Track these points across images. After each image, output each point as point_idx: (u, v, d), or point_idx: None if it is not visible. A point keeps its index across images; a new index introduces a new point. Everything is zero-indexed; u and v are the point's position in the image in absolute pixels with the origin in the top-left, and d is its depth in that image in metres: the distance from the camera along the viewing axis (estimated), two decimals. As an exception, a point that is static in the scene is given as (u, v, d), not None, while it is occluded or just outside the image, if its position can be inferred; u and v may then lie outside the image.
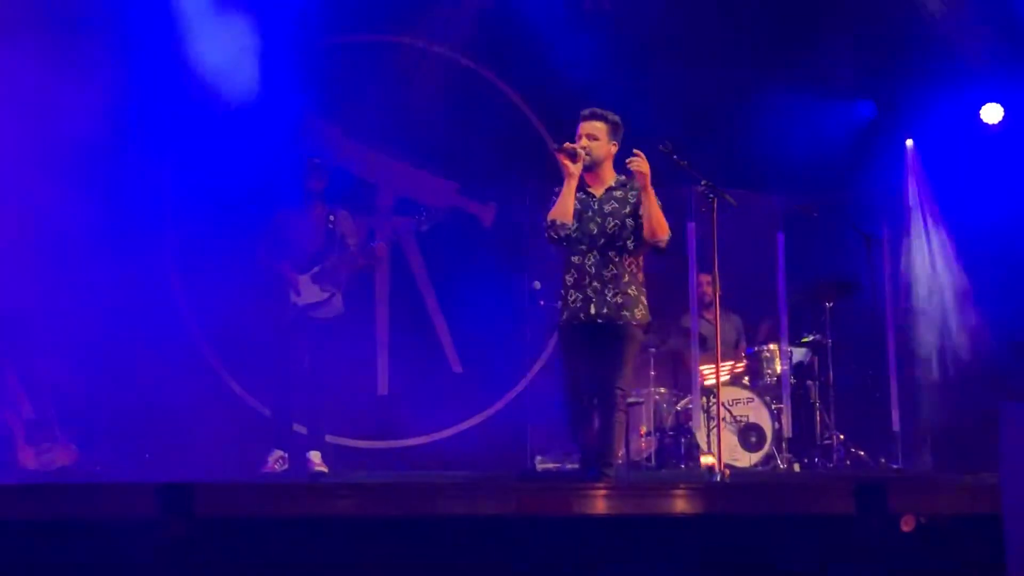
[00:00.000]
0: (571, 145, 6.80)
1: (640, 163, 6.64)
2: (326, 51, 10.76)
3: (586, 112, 6.96)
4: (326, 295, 9.05)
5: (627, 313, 6.87)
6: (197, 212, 10.18)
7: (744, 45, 11.06)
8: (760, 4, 11.04)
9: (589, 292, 6.84)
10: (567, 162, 6.75)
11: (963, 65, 11.07)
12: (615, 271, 6.88)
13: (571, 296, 6.88)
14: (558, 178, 7.01)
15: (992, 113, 11.27)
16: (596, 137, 6.90)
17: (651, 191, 6.72)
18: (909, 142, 11.70)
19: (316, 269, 9.01)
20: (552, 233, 6.85)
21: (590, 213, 6.89)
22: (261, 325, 9.31)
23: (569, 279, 6.92)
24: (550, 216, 6.83)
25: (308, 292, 9.01)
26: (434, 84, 10.94)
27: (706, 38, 11.04)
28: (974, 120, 11.33)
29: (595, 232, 6.87)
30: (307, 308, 8.99)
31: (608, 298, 6.84)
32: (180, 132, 10.23)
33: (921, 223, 11.61)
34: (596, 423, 6.84)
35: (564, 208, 6.78)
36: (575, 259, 6.90)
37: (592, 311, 6.83)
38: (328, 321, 9.07)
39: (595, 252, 6.87)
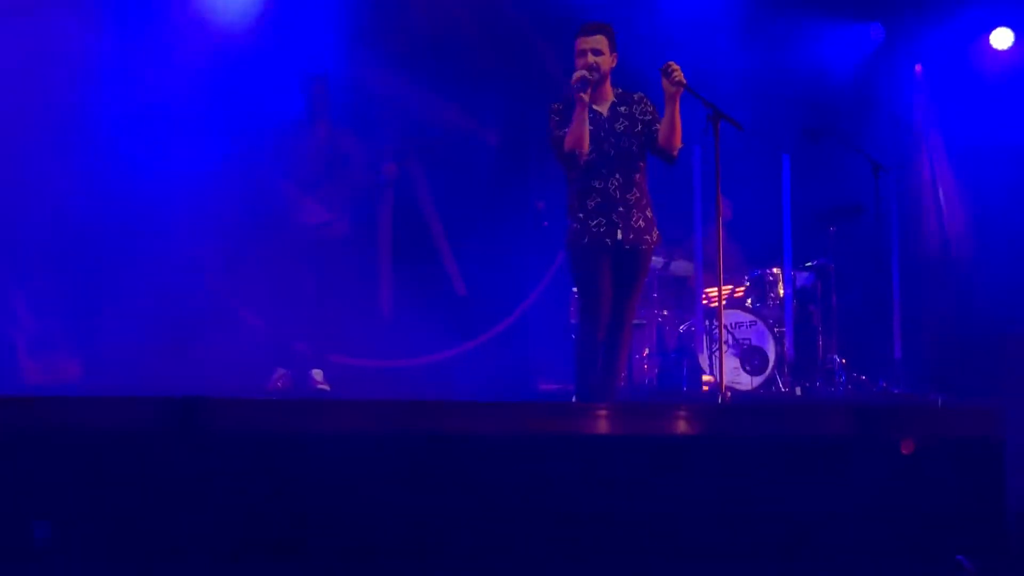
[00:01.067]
0: (582, 74, 6.68)
1: (680, 73, 6.57)
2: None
3: (586, 26, 6.84)
4: (331, 215, 9.03)
5: (648, 237, 6.85)
6: (200, 131, 10.13)
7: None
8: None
9: (615, 217, 6.75)
10: (581, 94, 6.64)
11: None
12: (637, 193, 6.83)
13: (593, 220, 6.78)
14: (554, 95, 6.94)
15: (1002, 38, 11.18)
16: (601, 51, 6.78)
17: (679, 101, 6.67)
18: (918, 67, 11.63)
19: (321, 189, 8.99)
20: (574, 162, 6.75)
21: (603, 134, 6.78)
22: (264, 244, 9.31)
23: (591, 203, 6.79)
24: (568, 145, 6.69)
25: (310, 211, 8.99)
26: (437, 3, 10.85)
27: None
28: (984, 45, 11.26)
29: (613, 154, 6.78)
30: (311, 227, 8.98)
31: (632, 222, 6.79)
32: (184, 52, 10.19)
33: (927, 151, 11.58)
34: (603, 347, 6.82)
35: (581, 135, 6.67)
36: (597, 183, 6.78)
37: (619, 236, 6.75)
38: (331, 241, 9.07)
39: (618, 176, 6.79)
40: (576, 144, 6.68)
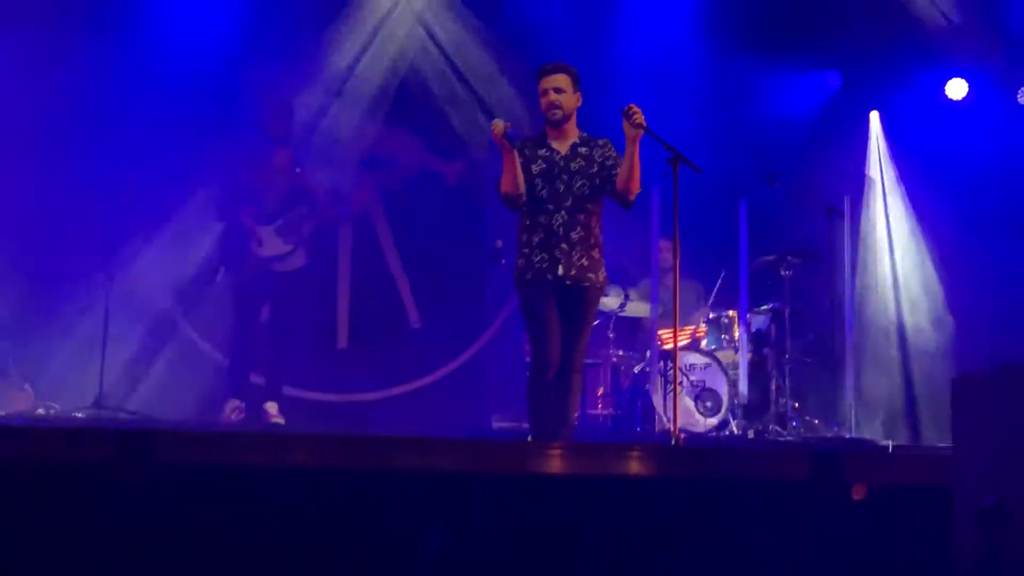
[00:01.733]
0: (501, 123, 6.61)
1: (641, 116, 6.59)
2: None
3: (547, 67, 6.85)
4: (289, 247, 9.04)
5: (592, 276, 6.84)
6: (161, 160, 10.12)
7: (711, 14, 11.05)
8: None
9: (557, 253, 6.76)
10: (497, 136, 6.64)
11: (930, 40, 11.15)
12: (583, 232, 6.82)
13: (536, 256, 6.79)
14: (520, 135, 6.96)
15: (957, 88, 11.37)
16: (563, 89, 6.80)
17: (638, 144, 6.69)
18: (874, 114, 11.76)
19: (280, 221, 8.99)
20: (508, 205, 6.81)
21: (556, 171, 6.80)
22: (221, 275, 9.29)
23: (535, 239, 6.81)
24: (502, 190, 6.75)
25: (271, 243, 8.99)
26: (401, 37, 10.87)
27: (673, 5, 11.06)
28: (939, 95, 11.43)
29: (563, 191, 6.79)
30: (269, 260, 8.97)
31: (575, 260, 6.79)
32: (145, 82, 10.21)
33: (882, 196, 11.70)
34: (554, 387, 6.81)
35: (512, 179, 6.70)
36: (542, 219, 6.79)
37: (560, 272, 6.75)
38: (289, 273, 9.05)
39: (563, 213, 6.79)
40: (508, 187, 6.73)
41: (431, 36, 10.98)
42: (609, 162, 6.83)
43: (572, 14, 10.57)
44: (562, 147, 6.86)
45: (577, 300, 6.81)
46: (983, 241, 10.85)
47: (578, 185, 6.79)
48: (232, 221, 9.09)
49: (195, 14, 10.26)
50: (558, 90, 6.80)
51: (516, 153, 6.69)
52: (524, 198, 6.76)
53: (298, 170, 9.13)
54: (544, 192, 6.78)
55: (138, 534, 4.65)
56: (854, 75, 11.64)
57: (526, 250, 6.86)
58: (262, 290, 9.04)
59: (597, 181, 6.82)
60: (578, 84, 6.87)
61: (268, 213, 9.00)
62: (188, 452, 4.90)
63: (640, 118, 6.57)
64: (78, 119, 9.78)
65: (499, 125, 6.61)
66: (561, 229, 6.78)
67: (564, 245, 6.76)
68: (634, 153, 6.67)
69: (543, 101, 6.83)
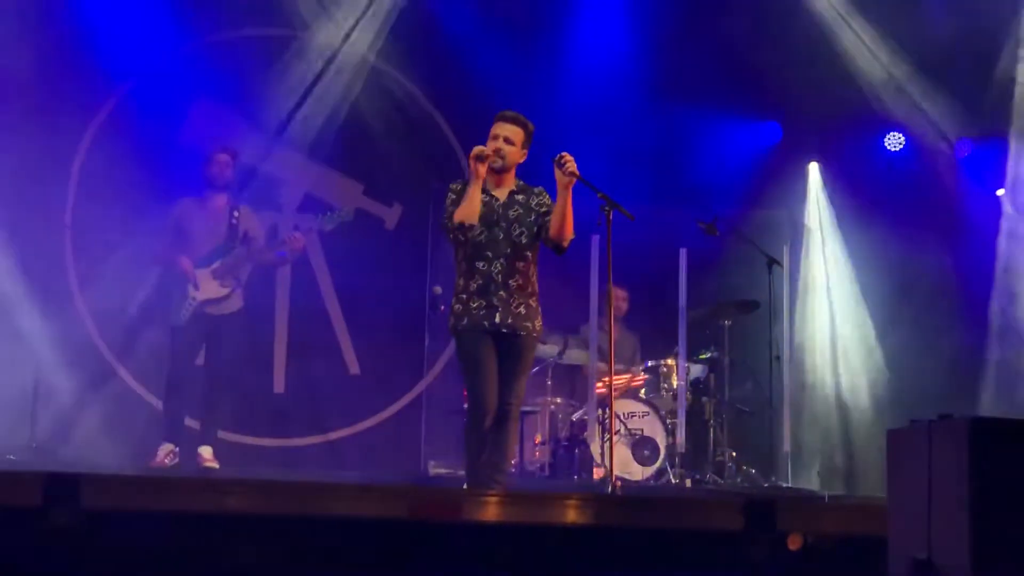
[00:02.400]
0: (482, 149, 6.69)
1: (574, 164, 6.59)
2: (232, 44, 10.70)
3: (507, 114, 6.82)
4: (226, 291, 8.97)
5: (529, 324, 6.82)
6: (97, 202, 10.07)
7: (649, 63, 11.13)
8: (667, 25, 11.13)
9: (495, 301, 6.71)
10: (478, 166, 6.65)
11: (869, 94, 11.29)
12: (520, 280, 6.80)
13: (474, 302, 6.74)
14: (456, 178, 6.95)
15: (895, 142, 11.55)
16: (512, 142, 6.75)
17: (570, 191, 6.67)
18: (813, 165, 11.88)
19: (217, 264, 8.93)
20: (460, 235, 6.69)
21: (495, 218, 6.75)
22: (157, 318, 9.22)
23: (473, 285, 6.75)
24: (457, 218, 6.66)
25: (207, 287, 8.93)
26: (342, 83, 10.86)
27: (613, 55, 11.13)
28: (877, 147, 11.59)
29: (502, 238, 6.76)
30: (204, 303, 8.91)
31: (512, 307, 6.76)
32: (82, 124, 10.17)
33: (821, 246, 11.80)
34: (490, 434, 6.78)
35: (471, 209, 6.64)
36: (481, 265, 6.75)
37: (497, 320, 6.72)
38: (225, 317, 9.00)
39: (502, 260, 6.77)
40: (464, 216, 6.64)
41: (373, 80, 10.97)
42: (543, 209, 6.80)
43: (510, 61, 10.60)
44: (501, 194, 6.83)
45: (514, 348, 6.79)
46: (920, 292, 10.97)
47: (517, 232, 6.78)
48: (170, 264, 9.02)
49: (131, 51, 10.20)
50: (508, 140, 6.74)
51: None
52: (475, 232, 6.71)
53: (236, 214, 9.07)
54: (483, 237, 6.74)
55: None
56: (794, 126, 11.76)
57: (463, 296, 6.80)
58: (198, 333, 8.97)
59: (535, 229, 6.80)
60: (529, 141, 6.81)
61: (205, 256, 8.94)
62: (116, 497, 4.83)
63: (572, 166, 6.57)
64: (15, 161, 9.71)
65: (482, 149, 6.60)
66: (500, 276, 6.75)
67: (502, 293, 6.73)
68: (566, 200, 6.65)
69: (490, 143, 6.76)
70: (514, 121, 6.80)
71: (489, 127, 6.80)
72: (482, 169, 6.63)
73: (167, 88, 10.32)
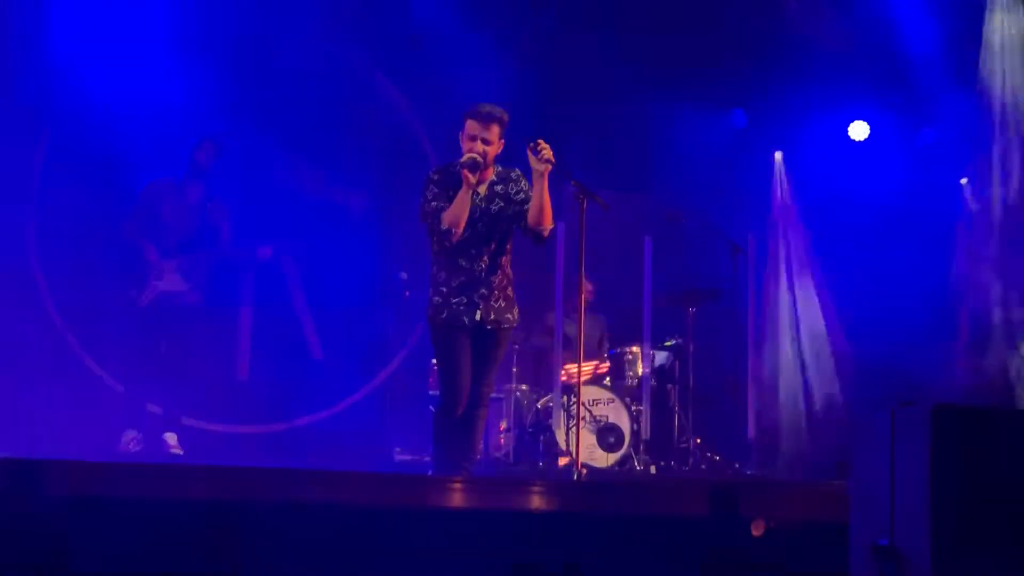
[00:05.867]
0: (474, 157, 6.55)
1: (549, 151, 6.52)
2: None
3: (482, 111, 6.65)
4: (187, 286, 8.98)
5: (509, 316, 6.79)
6: (61, 180, 9.99)
7: (617, 49, 11.12)
8: (636, 11, 11.13)
9: (476, 298, 6.66)
10: (469, 174, 6.57)
11: (834, 83, 11.34)
12: (500, 275, 6.78)
13: (454, 298, 6.67)
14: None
15: (859, 130, 11.61)
16: (490, 141, 6.63)
17: (547, 179, 6.59)
18: (778, 154, 11.93)
19: (184, 258, 8.93)
20: (447, 240, 6.61)
21: (478, 214, 6.65)
22: (119, 304, 9.19)
23: (455, 281, 6.68)
24: (445, 223, 6.55)
25: (170, 279, 8.93)
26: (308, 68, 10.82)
27: (580, 40, 11.12)
28: (842, 135, 11.64)
29: (485, 236, 6.68)
30: (166, 293, 8.91)
31: (493, 303, 6.73)
32: (48, 106, 10.09)
33: (785, 234, 11.86)
34: (459, 424, 6.77)
35: (460, 216, 6.54)
36: (463, 262, 6.67)
37: (478, 317, 6.66)
38: (183, 306, 8.99)
39: (485, 258, 6.69)
40: (454, 223, 6.55)
41: (338, 66, 10.93)
42: (521, 196, 6.73)
43: (475, 47, 10.58)
44: (481, 189, 6.73)
45: (491, 341, 6.77)
46: (883, 279, 11.04)
47: (500, 228, 6.73)
48: (138, 252, 8.99)
49: (114, 41, 10.12)
50: (487, 141, 6.63)
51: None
52: (462, 237, 6.66)
53: (209, 204, 9.06)
54: (467, 234, 6.66)
55: (26, 571, 4.56)
56: (759, 114, 11.79)
57: (444, 289, 6.73)
58: (157, 320, 8.96)
59: (514, 221, 6.77)
60: (504, 131, 6.71)
61: (172, 247, 8.92)
62: (80, 484, 4.81)
63: (548, 153, 6.51)
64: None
65: (475, 157, 6.52)
66: (483, 274, 6.68)
67: (484, 290, 6.68)
68: (543, 189, 6.60)
69: (467, 144, 6.65)
70: (489, 118, 6.65)
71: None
72: (473, 177, 6.57)
73: (135, 70, 10.23)
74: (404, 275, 9.70)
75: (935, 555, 3.90)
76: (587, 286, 10.16)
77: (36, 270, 10.11)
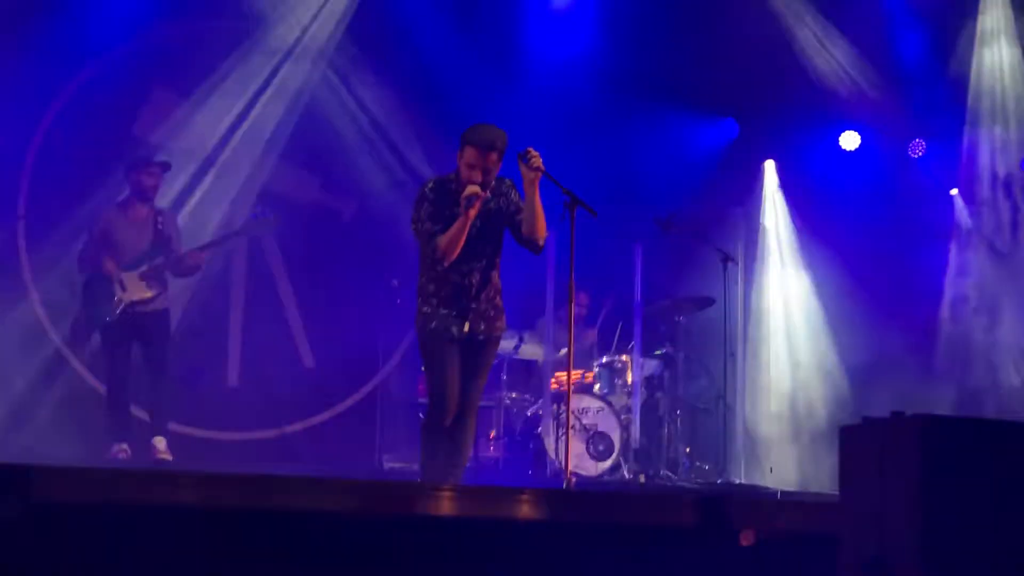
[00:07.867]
0: (473, 192, 6.42)
1: (539, 159, 6.47)
2: (189, 34, 10.65)
3: (485, 139, 6.52)
4: (152, 293, 9.08)
5: (498, 324, 6.78)
6: (50, 192, 10.03)
7: (605, 60, 11.15)
8: (624, 22, 11.14)
9: (466, 310, 6.63)
10: (470, 209, 6.42)
11: (825, 93, 11.37)
12: (491, 287, 6.77)
13: (444, 308, 6.63)
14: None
15: (850, 140, 11.63)
16: (490, 170, 6.54)
17: (537, 187, 6.54)
18: (769, 163, 11.94)
19: (145, 267, 9.03)
20: (439, 265, 6.57)
21: (473, 232, 6.57)
22: (91, 316, 9.24)
23: (444, 292, 6.64)
24: (442, 248, 6.49)
25: (134, 288, 9.05)
26: (299, 76, 10.83)
27: (574, 52, 11.14)
28: (833, 145, 11.66)
29: (477, 251, 6.64)
30: (132, 303, 8.98)
31: (482, 314, 6.71)
32: (37, 114, 10.10)
33: (776, 244, 11.87)
34: (449, 431, 6.75)
35: (456, 244, 6.48)
36: (454, 276, 6.62)
37: (467, 329, 6.64)
38: (150, 313, 9.05)
39: (477, 273, 6.66)
40: (450, 251, 6.50)
41: (330, 75, 10.94)
42: (512, 207, 6.69)
43: (467, 54, 10.60)
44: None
45: (482, 351, 6.75)
46: (873, 289, 11.05)
47: (492, 243, 6.70)
48: (94, 268, 9.09)
49: (85, 42, 10.13)
50: (486, 171, 6.53)
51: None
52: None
53: (160, 220, 9.16)
54: (461, 251, 6.63)
55: None
56: (750, 124, 11.81)
57: (433, 300, 6.69)
58: (129, 330, 9.01)
59: (506, 232, 6.73)
60: (502, 156, 6.60)
61: (131, 261, 9.02)
62: (68, 489, 4.79)
63: (538, 161, 6.46)
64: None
65: (476, 191, 6.44)
66: (474, 288, 6.65)
67: (474, 305, 6.67)
68: (534, 197, 6.55)
69: (468, 172, 6.52)
70: (489, 148, 6.52)
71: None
72: (473, 212, 6.49)
73: (122, 80, 10.24)
74: (396, 282, 9.70)
75: (926, 568, 3.89)
76: (581, 299, 10.21)
77: (26, 274, 10.11)
